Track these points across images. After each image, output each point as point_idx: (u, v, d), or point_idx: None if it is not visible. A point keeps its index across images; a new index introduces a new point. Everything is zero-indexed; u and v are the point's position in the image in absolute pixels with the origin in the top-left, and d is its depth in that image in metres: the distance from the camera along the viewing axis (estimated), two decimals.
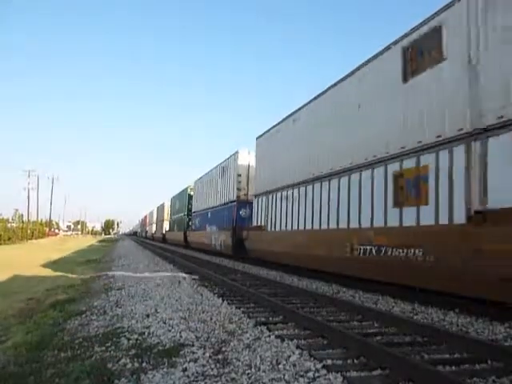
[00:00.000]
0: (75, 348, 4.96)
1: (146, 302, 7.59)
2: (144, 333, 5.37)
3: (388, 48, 9.14)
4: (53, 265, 18.70)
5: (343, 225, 10.18)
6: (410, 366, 3.69)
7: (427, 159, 7.72)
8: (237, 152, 19.69)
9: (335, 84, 11.32)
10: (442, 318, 6.31)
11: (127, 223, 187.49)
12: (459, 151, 7.05)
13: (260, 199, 16.14)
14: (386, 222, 8.66)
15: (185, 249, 29.50)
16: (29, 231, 57.31)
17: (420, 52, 8.15)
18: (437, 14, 7.80)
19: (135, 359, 4.32)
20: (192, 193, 30.55)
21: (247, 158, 19.28)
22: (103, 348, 4.83)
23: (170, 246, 35.87)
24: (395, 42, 8.92)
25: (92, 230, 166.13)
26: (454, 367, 3.97)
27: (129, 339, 5.11)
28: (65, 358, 4.62)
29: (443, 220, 7.20)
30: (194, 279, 11.07)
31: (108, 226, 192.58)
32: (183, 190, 33.80)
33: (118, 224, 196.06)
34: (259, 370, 3.90)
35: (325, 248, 10.69)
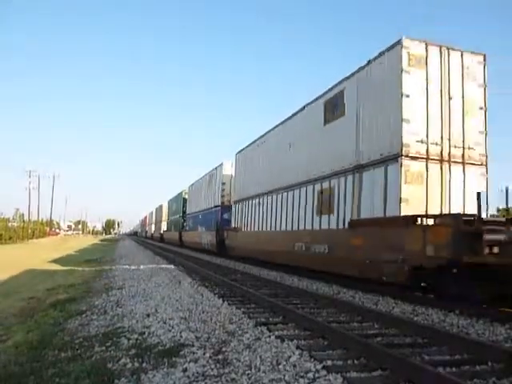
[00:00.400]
0: (75, 348, 4.96)
1: (146, 302, 7.59)
2: (144, 333, 5.38)
3: (315, 100, 12.58)
4: (53, 264, 18.72)
5: (289, 227, 13.56)
6: (411, 367, 3.69)
7: (334, 182, 11.02)
8: (222, 163, 22.78)
9: (283, 121, 14.93)
10: (443, 319, 6.31)
11: (128, 223, 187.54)
12: (349, 179, 10.36)
13: (237, 205, 19.50)
14: (312, 226, 11.99)
15: (181, 248, 31.48)
16: (30, 231, 57.33)
17: (333, 106, 11.48)
18: (341, 82, 11.16)
19: (135, 359, 4.33)
20: (186, 196, 33.67)
21: (230, 169, 21.87)
22: (103, 348, 4.84)
23: (168, 245, 37.35)
24: (319, 97, 12.31)
25: (93, 230, 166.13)
26: (454, 368, 3.97)
27: (129, 339, 5.11)
28: (65, 357, 4.62)
29: (340, 225, 10.54)
30: (194, 279, 11.07)
31: (109, 225, 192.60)
32: (179, 194, 36.89)
33: (118, 224, 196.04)
34: (259, 370, 3.90)
35: (278, 245, 13.93)
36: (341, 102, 10.97)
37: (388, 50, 9.41)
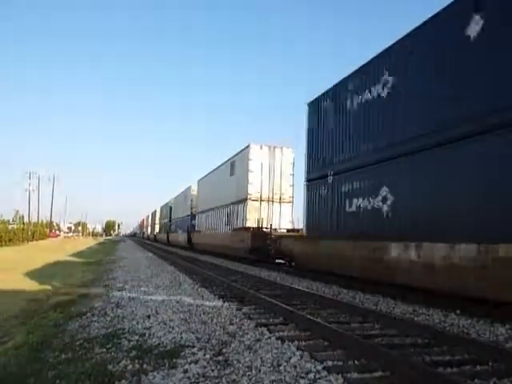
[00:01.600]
0: (76, 349, 4.95)
1: (146, 304, 7.59)
2: (145, 334, 5.37)
3: (227, 161, 23.50)
4: (54, 266, 18.71)
5: (221, 231, 23.41)
6: (411, 368, 3.69)
7: (231, 208, 21.63)
8: (190, 186, 33.61)
9: (212, 171, 26.92)
10: (443, 320, 6.31)
11: (128, 224, 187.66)
12: (240, 205, 20.07)
13: (199, 215, 29.90)
14: (225, 231, 22.50)
15: (166, 245, 40.14)
16: (30, 232, 57.32)
17: (234, 166, 22.14)
18: (231, 157, 22.91)
19: (136, 360, 4.32)
20: (172, 205, 44.09)
21: (195, 190, 31.98)
22: (104, 349, 4.83)
23: (159, 244, 45.83)
24: (229, 159, 23.16)
25: (93, 232, 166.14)
26: (455, 369, 3.97)
27: (129, 340, 5.11)
28: (65, 359, 4.62)
29: (229, 230, 21.46)
30: (194, 280, 11.07)
31: (109, 227, 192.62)
32: (167, 203, 47.36)
33: (118, 225, 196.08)
34: (260, 371, 3.90)
35: (218, 241, 22.98)
36: (233, 166, 22.19)
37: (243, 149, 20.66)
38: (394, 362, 3.90)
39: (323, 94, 12.84)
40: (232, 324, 5.84)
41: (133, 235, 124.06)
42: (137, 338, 5.23)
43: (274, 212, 19.05)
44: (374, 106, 10.08)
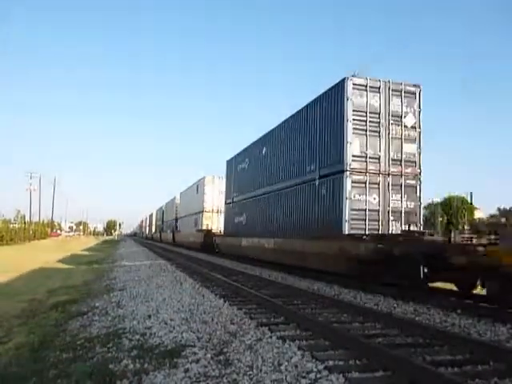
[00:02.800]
0: (77, 349, 4.96)
1: (147, 303, 7.59)
2: (146, 334, 5.38)
3: (194, 184, 32.08)
4: (54, 266, 18.74)
5: (190, 231, 31.61)
6: (412, 368, 3.69)
7: (196, 216, 30.83)
8: (175, 197, 42.86)
9: (188, 188, 35.15)
10: (444, 320, 6.30)
11: (129, 224, 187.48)
12: (200, 215, 29.59)
13: (180, 219, 38.89)
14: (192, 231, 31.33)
15: (160, 243, 48.96)
16: (31, 232, 57.34)
17: (198, 187, 31.04)
18: (196, 182, 32.11)
19: (137, 360, 4.33)
20: (164, 209, 52.99)
21: (179, 200, 40.57)
22: (105, 349, 4.84)
23: (155, 242, 53.40)
24: (195, 183, 32.07)
25: (94, 231, 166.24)
26: (456, 368, 3.96)
27: (130, 340, 5.11)
28: (67, 358, 4.62)
29: (194, 231, 30.55)
30: (195, 280, 11.07)
31: (110, 226, 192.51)
32: (160, 207, 57.02)
33: (119, 225, 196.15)
34: (261, 371, 3.90)
35: (189, 238, 31.60)
36: (198, 188, 30.94)
37: (200, 179, 28.79)
38: (395, 361, 3.90)
39: (234, 156, 21.98)
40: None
41: (133, 235, 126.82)
42: (138, 337, 5.24)
43: (219, 220, 27.77)
44: (245, 173, 19.94)
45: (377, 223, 11.05)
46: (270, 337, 5.05)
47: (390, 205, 11.17)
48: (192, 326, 5.66)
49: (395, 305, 7.60)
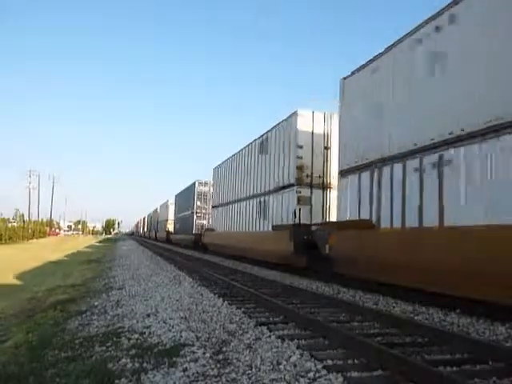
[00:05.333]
0: (76, 348, 4.96)
1: (146, 302, 7.59)
2: (144, 332, 5.37)
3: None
4: (53, 265, 18.72)
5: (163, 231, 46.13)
6: (411, 367, 3.69)
7: (164, 222, 47.63)
8: (167, 200, 45.94)
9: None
10: (443, 319, 6.30)
11: (128, 222, 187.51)
12: (166, 222, 46.46)
13: (159, 223, 50.72)
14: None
15: (155, 241, 53.44)
16: (30, 231, 57.32)
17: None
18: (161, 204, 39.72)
19: (136, 359, 4.32)
20: (158, 212, 57.85)
21: (171, 204, 43.29)
22: (104, 348, 4.83)
23: (146, 239, 62.06)
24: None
25: (93, 230, 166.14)
26: (455, 368, 3.96)
27: (129, 339, 5.10)
28: (65, 357, 4.62)
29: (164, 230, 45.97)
30: (194, 279, 11.07)
31: (109, 225, 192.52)
32: (155, 209, 62.20)
33: (118, 224, 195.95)
34: (260, 370, 3.90)
35: (162, 235, 46.50)
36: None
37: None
38: (394, 360, 3.90)
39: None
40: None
41: (131, 234, 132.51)
42: (137, 336, 5.23)
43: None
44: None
45: None
46: (269, 336, 5.04)
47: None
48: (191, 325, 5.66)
49: (394, 304, 7.60)
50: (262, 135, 16.55)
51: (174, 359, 4.25)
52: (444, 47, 7.43)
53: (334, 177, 12.36)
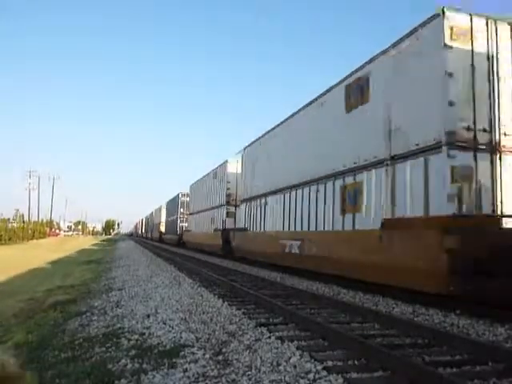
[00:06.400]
0: (75, 348, 4.96)
1: (146, 303, 7.58)
2: (144, 333, 5.37)
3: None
4: (53, 265, 18.72)
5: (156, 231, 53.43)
6: (411, 368, 3.69)
7: (156, 223, 56.11)
8: (161, 205, 49.83)
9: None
10: (443, 320, 6.30)
11: (128, 223, 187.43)
12: (158, 223, 53.35)
13: (154, 224, 57.29)
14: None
15: (151, 241, 56.80)
16: (30, 231, 57.27)
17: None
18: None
19: (135, 360, 4.32)
20: (153, 214, 61.64)
21: (163, 209, 48.20)
22: (103, 348, 4.83)
23: (144, 239, 66.24)
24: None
25: (93, 231, 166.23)
26: (454, 369, 3.96)
27: (129, 340, 5.10)
28: (65, 358, 4.62)
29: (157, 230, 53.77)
30: (194, 280, 11.07)
31: (108, 226, 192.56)
32: (150, 213, 67.69)
33: (118, 224, 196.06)
34: (259, 371, 3.89)
35: (156, 234, 54.10)
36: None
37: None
38: (394, 361, 3.90)
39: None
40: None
41: (130, 234, 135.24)
42: (136, 337, 5.23)
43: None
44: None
45: None
46: (269, 337, 5.04)
47: None
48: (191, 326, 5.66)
49: (394, 305, 7.60)
50: (215, 168, 24.48)
51: (174, 360, 4.25)
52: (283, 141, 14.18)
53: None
